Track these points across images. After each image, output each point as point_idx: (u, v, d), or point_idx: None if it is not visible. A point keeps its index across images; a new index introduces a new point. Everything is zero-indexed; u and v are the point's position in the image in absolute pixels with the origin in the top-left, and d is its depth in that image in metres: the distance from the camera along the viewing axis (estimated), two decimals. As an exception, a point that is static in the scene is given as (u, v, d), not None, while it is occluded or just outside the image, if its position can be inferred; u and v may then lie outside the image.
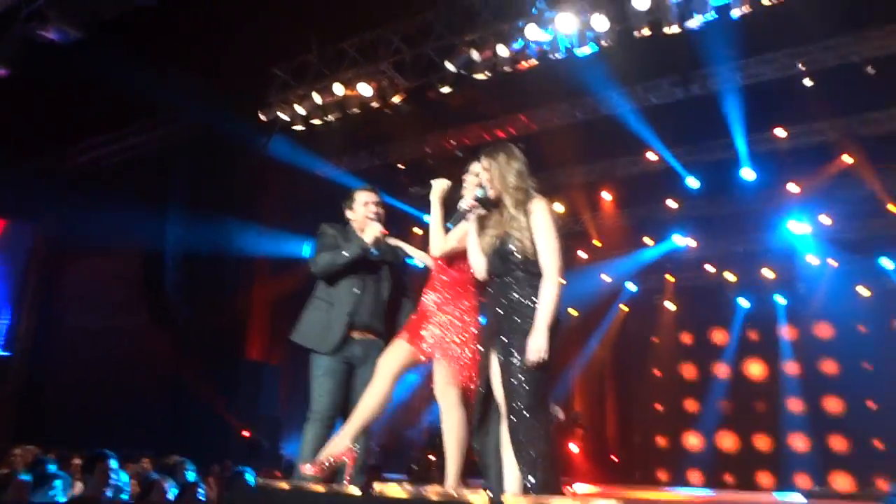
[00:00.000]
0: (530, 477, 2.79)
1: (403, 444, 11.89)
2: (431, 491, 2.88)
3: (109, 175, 9.91)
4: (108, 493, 4.09)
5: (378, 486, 3.05)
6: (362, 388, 3.53)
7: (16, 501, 3.78)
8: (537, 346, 2.88)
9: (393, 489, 2.93)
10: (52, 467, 4.47)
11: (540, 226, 3.04)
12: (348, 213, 3.91)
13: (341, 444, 3.26)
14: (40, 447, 6.91)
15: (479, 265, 3.20)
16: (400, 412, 11.87)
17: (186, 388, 9.52)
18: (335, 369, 3.66)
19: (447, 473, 3.32)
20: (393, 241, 3.98)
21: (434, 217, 3.48)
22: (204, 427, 9.29)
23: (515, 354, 2.92)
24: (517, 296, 3.01)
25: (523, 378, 2.88)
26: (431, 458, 10.36)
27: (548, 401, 3.04)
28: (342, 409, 3.66)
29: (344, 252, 3.73)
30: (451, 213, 3.35)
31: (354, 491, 3.02)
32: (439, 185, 3.50)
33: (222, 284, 10.27)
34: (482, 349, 3.14)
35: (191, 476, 4.97)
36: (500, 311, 3.05)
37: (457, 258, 3.51)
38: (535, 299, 2.97)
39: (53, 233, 10.37)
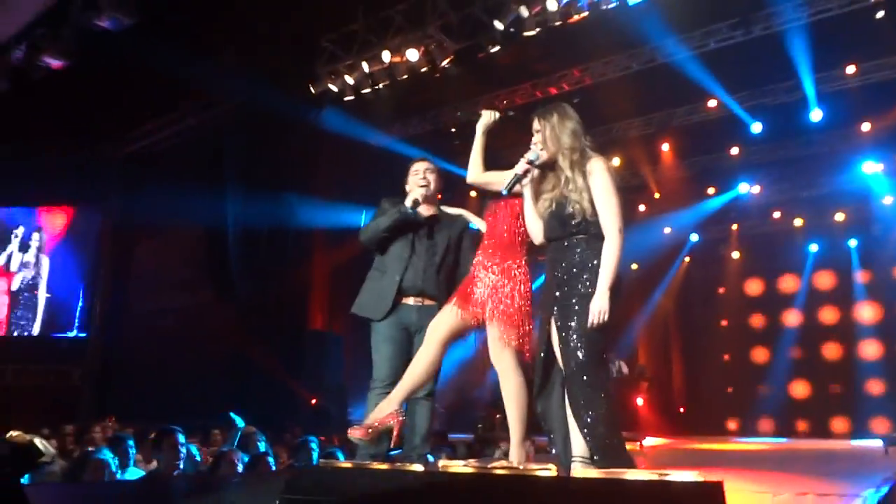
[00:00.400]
0: (590, 440, 2.81)
1: (468, 403, 12.14)
2: (498, 466, 2.91)
3: (168, 157, 10.24)
4: (181, 465, 4.19)
5: (442, 463, 3.13)
6: None
7: (94, 479, 3.86)
8: (599, 308, 2.87)
9: (457, 466, 2.96)
10: (131, 442, 4.64)
11: (599, 186, 3.01)
12: (406, 187, 3.93)
13: (388, 408, 3.28)
14: (118, 423, 7.36)
15: (535, 229, 3.20)
16: (463, 372, 12.14)
17: (253, 361, 9.90)
18: (393, 336, 3.69)
19: (511, 438, 3.31)
20: (450, 210, 3.97)
21: (476, 144, 3.54)
22: (272, 398, 9.67)
23: (574, 318, 2.91)
24: (578, 258, 2.99)
25: (582, 341, 2.88)
26: (497, 416, 10.56)
27: (606, 363, 3.06)
28: (402, 375, 3.61)
29: (386, 217, 3.77)
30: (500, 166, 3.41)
31: (417, 468, 3.02)
32: (487, 115, 3.57)
33: (283, 258, 10.57)
34: (541, 312, 3.12)
35: (262, 446, 5.09)
36: (558, 274, 3.03)
37: (505, 218, 3.47)
38: (595, 262, 2.95)
39: (119, 217, 10.80)
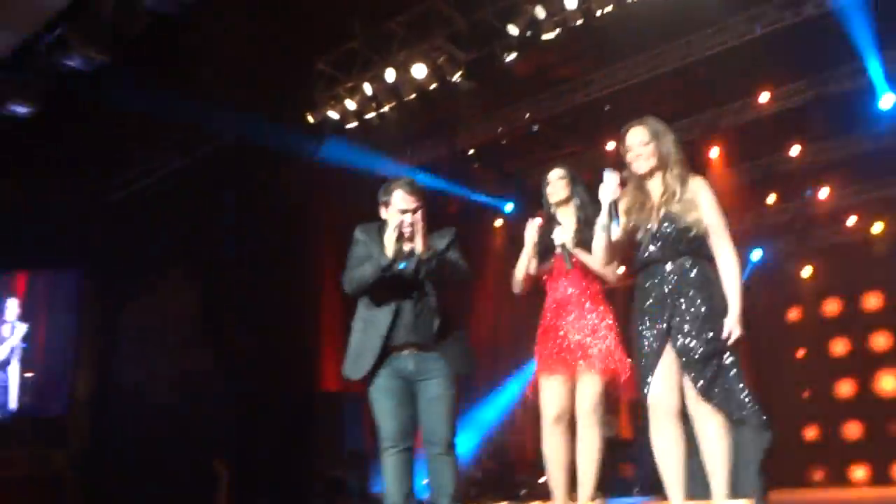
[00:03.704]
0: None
1: (507, 467, 11.99)
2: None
3: (154, 205, 10.37)
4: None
5: None
6: (428, 407, 3.61)
7: None
8: (737, 327, 3.08)
9: None
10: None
11: (708, 203, 3.18)
12: (383, 212, 3.82)
13: None
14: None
15: (614, 258, 3.44)
16: (501, 432, 12.00)
17: (260, 430, 9.86)
18: (390, 388, 3.66)
19: (581, 497, 3.54)
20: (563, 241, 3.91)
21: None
22: (283, 470, 9.60)
23: (703, 346, 3.08)
24: (690, 281, 3.15)
25: (718, 366, 3.07)
26: (539, 481, 10.42)
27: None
28: (413, 431, 3.68)
29: (368, 267, 3.69)
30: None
31: None
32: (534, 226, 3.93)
33: (288, 311, 10.60)
34: (649, 346, 3.19)
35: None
36: (660, 302, 3.18)
37: (568, 272, 3.86)
38: (705, 282, 3.14)
39: (102, 276, 10.92)
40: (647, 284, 3.24)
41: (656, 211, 3.22)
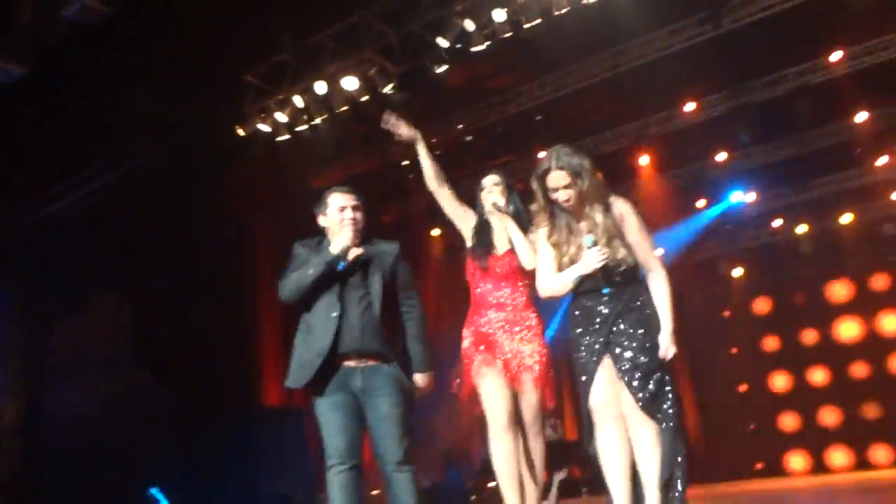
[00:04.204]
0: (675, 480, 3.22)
1: (456, 476, 11.98)
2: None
3: (84, 223, 10.10)
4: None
5: None
6: (378, 426, 3.51)
7: None
8: (671, 346, 3.27)
9: None
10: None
11: (634, 227, 3.33)
12: (321, 220, 3.77)
13: None
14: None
15: (554, 285, 3.44)
16: (448, 441, 11.99)
17: (201, 449, 9.66)
18: (338, 402, 3.54)
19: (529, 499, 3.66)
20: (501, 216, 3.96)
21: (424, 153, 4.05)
22: (226, 489, 9.43)
23: (642, 362, 3.23)
24: (623, 305, 3.31)
25: (659, 383, 3.24)
26: (489, 486, 10.44)
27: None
28: (361, 448, 3.57)
29: (309, 267, 3.62)
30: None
31: None
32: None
33: (226, 326, 10.41)
34: (589, 354, 3.34)
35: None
36: (598, 323, 3.31)
37: (508, 274, 3.85)
38: (638, 304, 3.32)
39: (29, 295, 10.58)
40: (583, 311, 3.38)
41: (578, 242, 3.36)
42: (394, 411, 3.53)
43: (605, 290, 3.31)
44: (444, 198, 4.04)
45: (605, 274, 3.28)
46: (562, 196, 3.31)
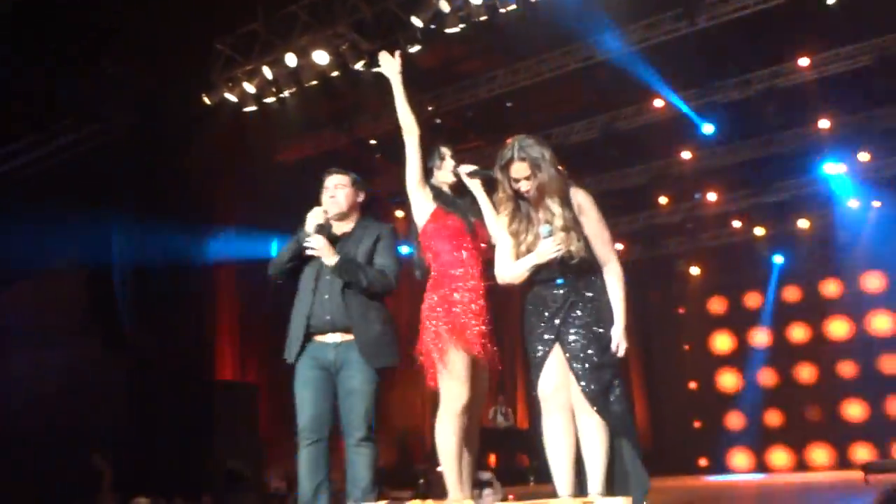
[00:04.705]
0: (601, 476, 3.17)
1: (408, 458, 11.97)
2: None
3: (39, 184, 9.80)
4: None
5: None
6: (345, 399, 3.59)
7: None
8: (622, 338, 3.26)
9: None
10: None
11: (593, 220, 3.33)
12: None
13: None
14: None
15: (512, 272, 3.38)
16: (402, 424, 11.96)
17: (153, 421, 9.50)
18: (309, 378, 3.65)
19: (466, 483, 3.52)
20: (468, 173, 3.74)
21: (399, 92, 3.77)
22: (177, 462, 9.29)
23: (592, 354, 3.22)
24: (577, 295, 3.29)
25: (608, 376, 3.23)
26: (437, 469, 10.43)
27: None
28: (329, 423, 3.65)
29: (285, 246, 3.82)
30: None
31: None
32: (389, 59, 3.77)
33: (182, 298, 10.22)
34: (540, 344, 3.33)
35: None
36: (550, 312, 3.30)
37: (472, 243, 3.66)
38: (591, 294, 3.31)
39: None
40: (537, 300, 3.38)
41: (535, 231, 3.35)
42: (362, 388, 3.60)
43: (559, 281, 3.31)
44: (421, 198, 3.69)
45: (560, 264, 3.28)
46: (522, 187, 3.33)
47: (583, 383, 3.19)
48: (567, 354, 3.24)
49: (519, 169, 3.29)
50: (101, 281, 10.03)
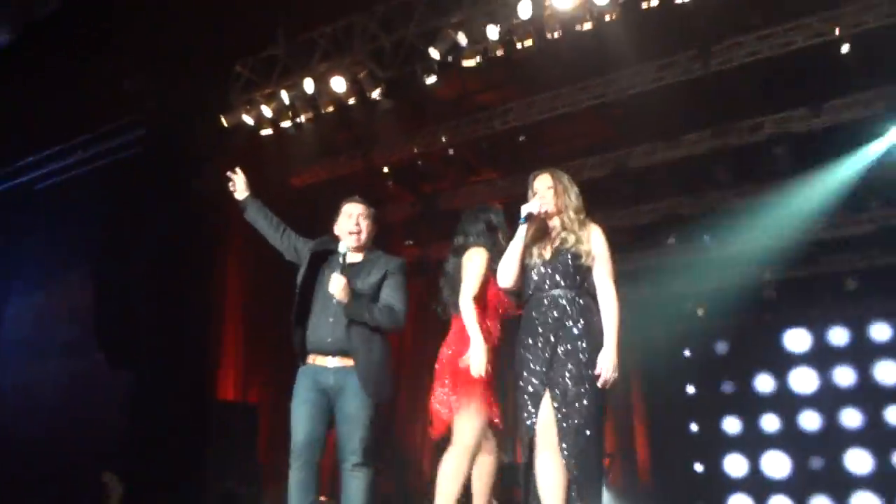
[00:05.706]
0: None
1: (406, 488, 11.83)
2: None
3: (44, 199, 9.87)
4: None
5: None
6: (343, 424, 3.63)
7: None
8: (612, 363, 3.26)
9: None
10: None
11: (601, 249, 3.47)
12: (336, 229, 4.09)
13: None
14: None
15: (514, 279, 3.49)
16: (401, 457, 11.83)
17: (152, 438, 9.42)
18: (308, 398, 3.68)
19: None
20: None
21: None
22: (173, 480, 9.20)
23: (581, 378, 3.26)
24: (577, 310, 3.35)
25: (590, 402, 3.23)
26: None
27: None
28: (322, 446, 3.67)
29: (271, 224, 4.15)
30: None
31: None
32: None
33: (188, 315, 10.20)
34: (531, 385, 3.35)
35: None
36: (545, 329, 3.34)
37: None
38: (587, 317, 3.35)
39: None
40: (534, 314, 3.41)
41: (551, 244, 3.48)
42: (359, 413, 3.63)
43: (554, 293, 3.36)
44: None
45: (561, 271, 3.37)
46: (541, 193, 3.49)
47: (563, 445, 3.22)
48: (555, 404, 3.27)
49: (543, 179, 3.49)
50: (106, 292, 10.05)
